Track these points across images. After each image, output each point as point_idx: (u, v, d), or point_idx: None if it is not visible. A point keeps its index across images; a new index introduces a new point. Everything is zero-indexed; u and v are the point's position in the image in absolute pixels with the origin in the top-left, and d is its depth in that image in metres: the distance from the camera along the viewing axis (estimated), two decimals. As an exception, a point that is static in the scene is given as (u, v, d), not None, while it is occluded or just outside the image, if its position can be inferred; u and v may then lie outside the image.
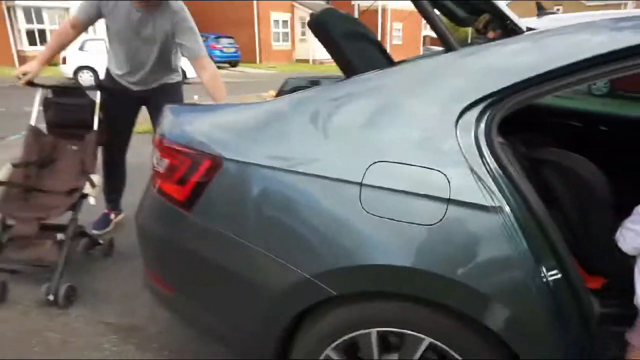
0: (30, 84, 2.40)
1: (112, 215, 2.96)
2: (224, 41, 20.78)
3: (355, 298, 1.16)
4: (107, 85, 2.63)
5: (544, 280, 1.04)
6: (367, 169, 1.09)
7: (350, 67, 1.45)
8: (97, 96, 2.47)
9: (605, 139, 2.07)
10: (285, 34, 26.72)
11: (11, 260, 2.16)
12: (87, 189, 2.26)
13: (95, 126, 2.42)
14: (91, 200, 2.29)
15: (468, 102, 1.09)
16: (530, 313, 1.06)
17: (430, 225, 1.05)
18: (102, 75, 10.22)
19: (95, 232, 2.78)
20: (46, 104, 2.48)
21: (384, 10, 29.28)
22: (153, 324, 1.99)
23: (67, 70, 12.92)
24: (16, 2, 18.28)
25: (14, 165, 2.32)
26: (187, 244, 1.35)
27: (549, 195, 1.34)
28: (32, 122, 2.45)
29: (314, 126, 1.20)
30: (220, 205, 1.27)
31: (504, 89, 1.09)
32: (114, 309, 2.09)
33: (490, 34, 1.76)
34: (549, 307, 1.05)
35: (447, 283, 1.04)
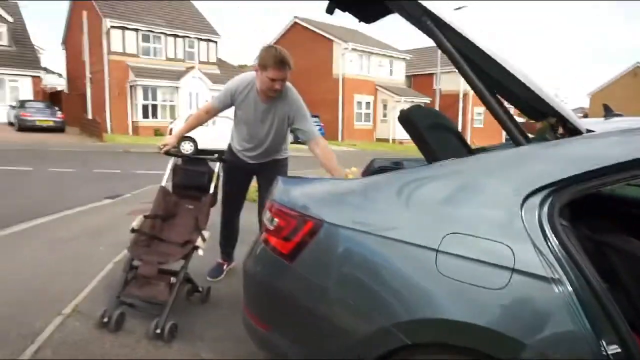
0: (167, 153, 2.96)
1: (225, 266, 3.42)
2: (310, 119, 22.28)
3: (426, 348, 1.35)
4: (228, 158, 3.16)
5: (604, 353, 1.16)
6: (443, 238, 1.33)
7: (431, 154, 1.74)
8: (216, 166, 2.98)
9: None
10: (367, 114, 28.07)
11: (131, 296, 2.58)
12: (199, 242, 2.68)
13: (211, 190, 2.89)
14: (200, 252, 2.69)
15: (533, 188, 1.31)
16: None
17: (495, 289, 1.24)
18: (200, 145, 11.49)
19: (209, 278, 3.24)
20: (175, 169, 3.02)
21: (465, 95, 29.84)
22: (241, 365, 2.24)
23: (163, 140, 14.65)
24: (138, 81, 21.44)
25: (145, 217, 2.82)
26: (286, 289, 1.63)
27: (614, 277, 1.47)
28: (163, 183, 3.00)
29: (398, 200, 1.48)
30: (317, 259, 1.56)
31: (564, 179, 1.30)
32: (207, 347, 2.38)
33: (561, 130, 1.97)
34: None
35: (507, 341, 1.20)
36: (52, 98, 24.88)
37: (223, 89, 3.02)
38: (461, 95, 29.51)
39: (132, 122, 22.05)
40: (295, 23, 28.74)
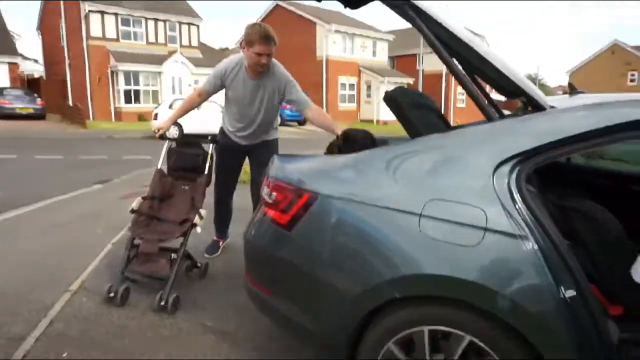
0: (162, 137, 3.07)
1: (221, 243, 3.57)
2: (294, 102, 22.29)
3: (412, 301, 1.53)
4: (221, 140, 3.26)
5: (562, 296, 1.36)
6: (425, 203, 1.50)
7: (414, 131, 1.91)
8: (210, 148, 3.10)
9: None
10: (352, 95, 28.11)
11: (134, 272, 2.73)
12: (197, 220, 2.82)
13: (206, 171, 3.02)
14: (198, 229, 2.84)
15: (503, 158, 1.49)
16: (551, 318, 1.36)
17: (471, 246, 1.42)
18: (186, 130, 11.47)
19: (206, 255, 3.38)
20: (169, 152, 3.14)
21: (447, 75, 30.04)
22: (242, 330, 2.42)
23: (157, 125, 14.59)
24: (119, 66, 21.08)
25: (143, 198, 2.95)
26: (286, 256, 1.80)
27: (577, 236, 1.67)
28: (158, 165, 3.12)
29: (386, 172, 1.64)
30: (313, 228, 1.72)
31: (529, 150, 1.48)
32: (210, 316, 2.55)
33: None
34: (566, 317, 1.36)
35: (483, 290, 1.39)
36: (30, 85, 24.33)
37: (212, 72, 3.12)
38: (444, 76, 29.73)
39: (115, 107, 21.76)
40: (277, 5, 28.42)
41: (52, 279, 2.95)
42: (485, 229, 1.42)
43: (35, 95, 20.24)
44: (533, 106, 1.65)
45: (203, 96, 3.19)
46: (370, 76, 27.73)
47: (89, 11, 20.80)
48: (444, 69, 29.45)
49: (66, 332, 2.33)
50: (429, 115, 2.15)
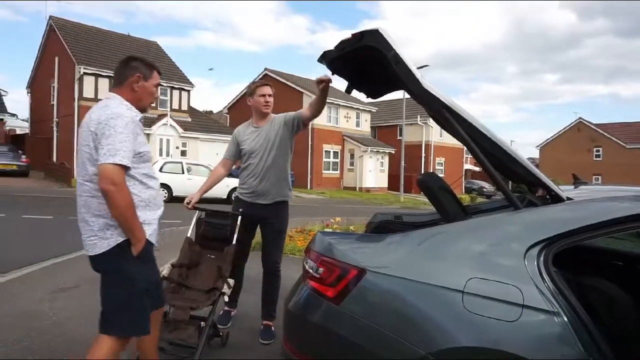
0: (193, 207, 3.24)
1: (232, 313, 3.63)
2: (280, 167, 22.77)
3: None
4: (235, 208, 3.40)
5: (592, 365, 1.56)
6: (467, 281, 1.72)
7: (445, 211, 2.17)
8: (238, 219, 3.27)
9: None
10: (335, 163, 28.89)
11: (163, 340, 2.78)
12: (225, 289, 2.94)
13: (234, 241, 3.18)
14: (226, 298, 2.95)
15: (531, 243, 1.75)
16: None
17: (512, 321, 1.63)
18: (175, 192, 11.58)
19: (220, 326, 3.40)
20: (198, 222, 3.31)
21: (427, 145, 31.39)
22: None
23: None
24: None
25: (172, 265, 3.07)
26: (333, 327, 1.95)
27: (592, 311, 1.90)
28: (188, 234, 3.27)
29: (430, 252, 1.87)
30: (361, 301, 1.89)
31: (553, 236, 1.74)
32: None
33: (540, 192, 2.46)
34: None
35: (521, 360, 1.59)
36: (13, 141, 24.26)
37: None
38: (423, 147, 31.08)
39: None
40: (266, 74, 29.83)
41: (73, 347, 2.96)
42: (523, 306, 1.64)
43: (20, 152, 20.17)
44: (552, 197, 1.94)
45: (227, 165, 3.50)
46: (353, 145, 28.77)
47: (84, 73, 21.42)
48: (423, 139, 30.88)
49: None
50: (452, 198, 2.43)
